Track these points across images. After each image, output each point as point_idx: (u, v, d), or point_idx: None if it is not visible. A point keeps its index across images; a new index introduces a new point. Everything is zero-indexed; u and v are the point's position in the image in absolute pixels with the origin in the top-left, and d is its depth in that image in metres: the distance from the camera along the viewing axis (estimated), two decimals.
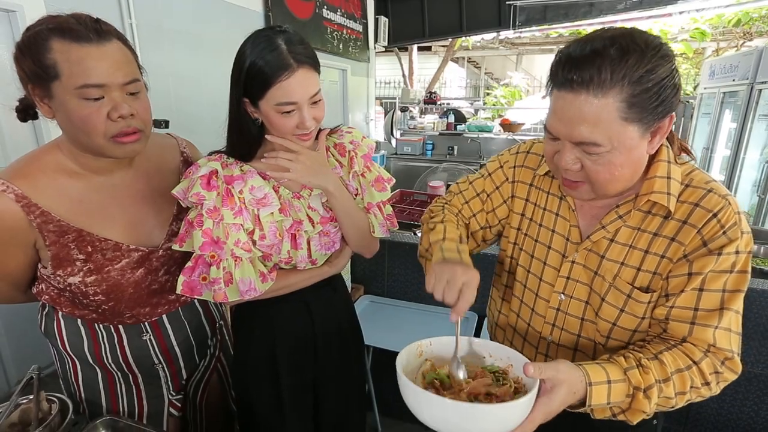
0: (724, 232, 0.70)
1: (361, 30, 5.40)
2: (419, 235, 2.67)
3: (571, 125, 0.67)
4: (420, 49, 9.26)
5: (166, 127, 2.23)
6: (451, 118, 5.93)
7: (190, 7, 2.86)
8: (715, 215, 0.70)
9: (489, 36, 8.49)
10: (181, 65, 2.83)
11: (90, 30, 0.79)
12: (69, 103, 0.80)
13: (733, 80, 4.28)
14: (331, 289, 1.09)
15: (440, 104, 6.75)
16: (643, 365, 0.69)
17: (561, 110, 0.68)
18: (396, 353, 0.73)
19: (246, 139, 0.94)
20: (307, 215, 0.97)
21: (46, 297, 0.97)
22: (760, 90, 3.85)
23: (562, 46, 0.71)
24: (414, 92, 7.28)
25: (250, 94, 0.88)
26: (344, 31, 4.98)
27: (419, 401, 0.64)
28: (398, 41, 6.42)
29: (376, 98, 6.74)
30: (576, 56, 0.66)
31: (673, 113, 0.68)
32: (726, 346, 0.70)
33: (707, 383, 0.70)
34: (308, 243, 0.97)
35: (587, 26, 5.82)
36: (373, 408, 2.01)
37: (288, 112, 0.87)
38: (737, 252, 0.69)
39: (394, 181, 1.17)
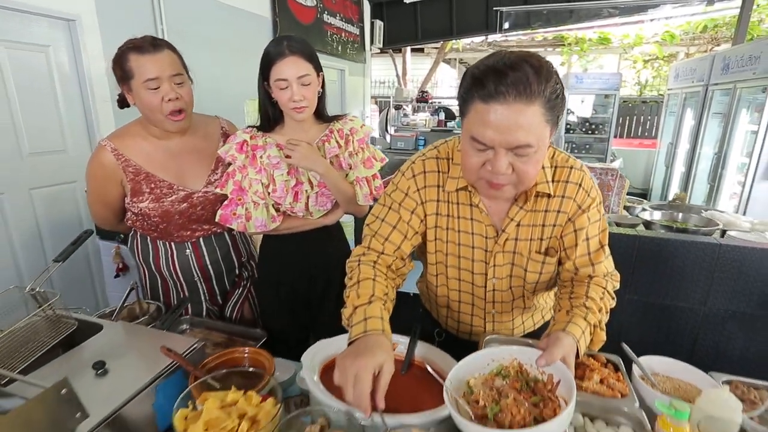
0: (588, 195, 0.95)
1: (358, 33, 5.78)
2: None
3: (509, 133, 0.74)
4: (413, 50, 9.66)
5: None
6: (442, 116, 6.34)
7: (209, 14, 3.27)
8: (580, 185, 0.94)
9: (478, 39, 8.90)
10: (201, 64, 3.18)
11: (150, 45, 1.22)
12: (140, 93, 1.23)
13: (692, 82, 4.75)
14: (326, 235, 1.43)
15: (431, 103, 7.16)
16: (589, 307, 0.88)
17: (496, 121, 0.74)
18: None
19: (267, 115, 1.31)
20: (309, 179, 1.33)
21: (129, 222, 1.40)
22: (713, 91, 4.31)
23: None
24: (407, 91, 7.66)
25: (264, 76, 1.23)
26: (343, 34, 5.36)
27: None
28: (392, 43, 6.82)
29: (372, 97, 7.12)
30: (502, 72, 0.73)
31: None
32: (611, 269, 1.00)
33: (613, 298, 0.97)
34: (307, 199, 1.33)
35: (567, 31, 6.25)
36: None
37: (283, 88, 1.21)
38: (597, 204, 0.96)
39: (387, 160, 1.52)
